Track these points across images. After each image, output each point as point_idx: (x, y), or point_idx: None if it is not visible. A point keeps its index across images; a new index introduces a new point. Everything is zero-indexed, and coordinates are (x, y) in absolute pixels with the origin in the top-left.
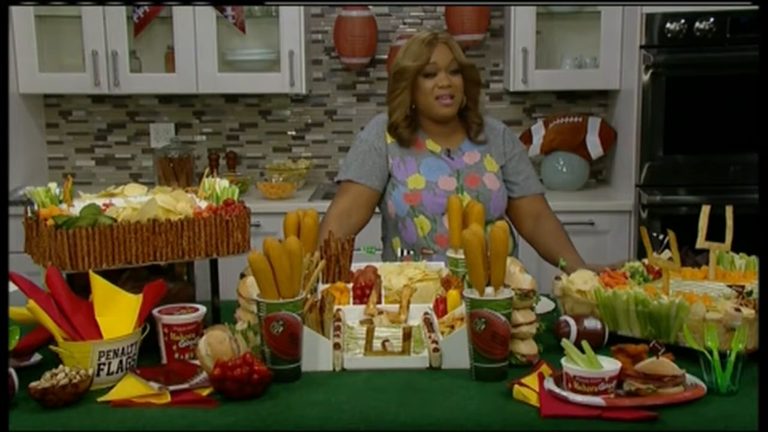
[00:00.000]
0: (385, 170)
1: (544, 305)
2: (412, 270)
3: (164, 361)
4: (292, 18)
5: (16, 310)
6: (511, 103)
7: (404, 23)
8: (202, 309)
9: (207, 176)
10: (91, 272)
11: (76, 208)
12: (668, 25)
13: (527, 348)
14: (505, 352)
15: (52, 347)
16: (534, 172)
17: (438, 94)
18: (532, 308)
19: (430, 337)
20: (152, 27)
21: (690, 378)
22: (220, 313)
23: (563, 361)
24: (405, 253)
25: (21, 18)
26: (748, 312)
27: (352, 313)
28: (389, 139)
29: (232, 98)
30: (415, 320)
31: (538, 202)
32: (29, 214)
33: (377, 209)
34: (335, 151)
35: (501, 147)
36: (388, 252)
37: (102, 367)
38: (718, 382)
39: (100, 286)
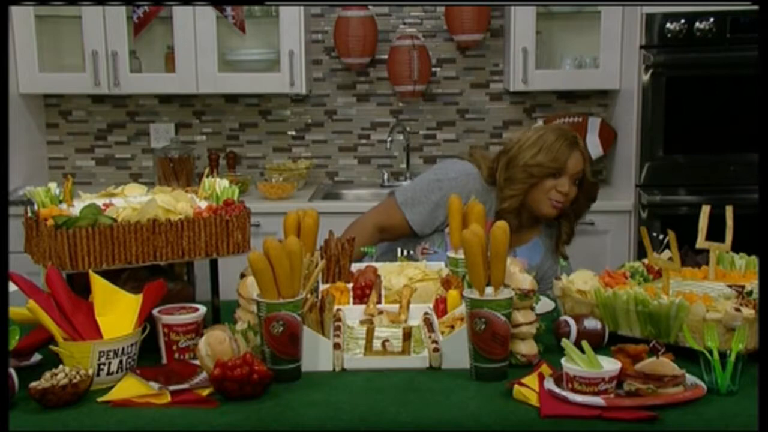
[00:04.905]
0: (442, 224)
1: (544, 305)
2: (412, 270)
3: (164, 361)
4: (292, 18)
5: (16, 310)
6: (511, 103)
7: (404, 23)
8: (202, 309)
9: (207, 176)
10: (91, 272)
11: (76, 208)
12: (668, 25)
13: (527, 348)
14: (505, 352)
15: (52, 347)
16: None
17: (554, 197)
18: (532, 308)
19: (430, 337)
20: (152, 27)
21: (690, 378)
22: (220, 313)
23: (563, 361)
24: (406, 253)
25: (21, 18)
26: (748, 312)
27: (352, 313)
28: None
29: (232, 98)
30: (415, 320)
31: None
32: (29, 214)
33: None
34: (335, 151)
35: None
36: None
37: (102, 367)
38: (718, 382)
39: (100, 286)
